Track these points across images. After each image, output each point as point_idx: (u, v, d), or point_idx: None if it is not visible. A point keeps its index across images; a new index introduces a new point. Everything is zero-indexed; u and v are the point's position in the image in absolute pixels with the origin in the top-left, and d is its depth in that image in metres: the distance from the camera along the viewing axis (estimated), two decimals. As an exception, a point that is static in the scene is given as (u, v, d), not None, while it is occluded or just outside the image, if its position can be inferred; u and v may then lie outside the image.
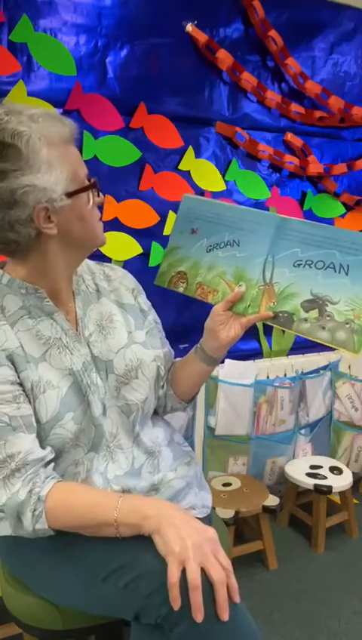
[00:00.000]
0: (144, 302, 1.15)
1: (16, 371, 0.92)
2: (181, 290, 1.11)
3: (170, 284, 1.12)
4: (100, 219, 1.00)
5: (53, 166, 0.87)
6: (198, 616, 0.76)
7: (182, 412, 1.26)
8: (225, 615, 0.78)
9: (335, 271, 0.96)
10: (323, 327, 0.96)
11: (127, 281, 1.13)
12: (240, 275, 1.04)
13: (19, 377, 0.92)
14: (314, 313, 0.97)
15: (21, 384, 0.92)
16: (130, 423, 1.02)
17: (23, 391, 0.92)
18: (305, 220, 1.02)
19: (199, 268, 1.09)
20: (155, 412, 1.16)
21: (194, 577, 0.77)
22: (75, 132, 0.94)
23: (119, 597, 0.84)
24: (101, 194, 0.99)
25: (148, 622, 0.81)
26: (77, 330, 1.01)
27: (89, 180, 0.95)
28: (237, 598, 0.81)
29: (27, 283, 0.96)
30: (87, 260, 1.11)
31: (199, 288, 1.09)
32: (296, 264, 0.99)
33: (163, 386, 1.13)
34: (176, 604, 0.77)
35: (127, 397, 1.02)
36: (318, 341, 0.96)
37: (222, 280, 1.06)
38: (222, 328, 1.04)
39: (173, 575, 0.77)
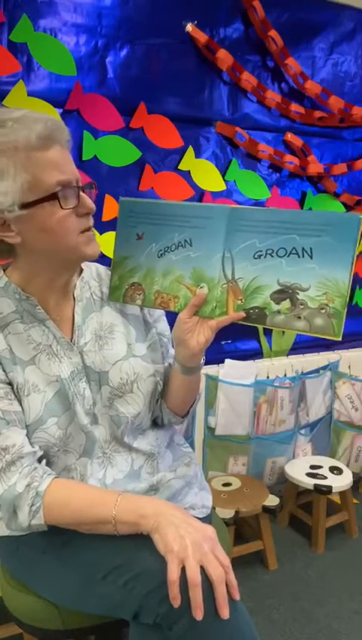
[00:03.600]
0: (150, 313, 1.11)
1: (4, 371, 0.92)
2: (139, 302, 1.03)
3: (125, 297, 1.04)
4: (87, 229, 0.93)
5: (3, 175, 0.84)
6: (198, 613, 0.76)
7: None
8: (225, 612, 0.78)
9: (299, 256, 0.90)
10: (299, 317, 0.91)
11: None
12: (200, 276, 0.97)
13: (7, 377, 0.93)
14: (286, 304, 0.92)
15: (9, 384, 0.93)
16: (119, 433, 1.01)
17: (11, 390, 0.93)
18: (256, 207, 0.95)
19: (154, 275, 1.01)
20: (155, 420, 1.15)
21: (194, 575, 0.77)
22: (59, 133, 0.88)
23: (118, 596, 0.84)
24: (87, 202, 0.91)
25: (147, 621, 0.81)
26: (72, 338, 1.00)
27: (77, 187, 0.90)
28: (236, 595, 0.81)
29: (20, 289, 0.96)
30: (97, 266, 1.09)
31: (158, 297, 1.01)
32: (256, 256, 0.93)
33: (158, 400, 1.11)
34: (176, 602, 0.77)
35: (119, 409, 1.01)
36: (297, 331, 0.92)
37: (181, 284, 0.99)
38: (191, 336, 0.97)
39: (173, 573, 0.77)
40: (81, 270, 1.06)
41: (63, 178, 0.88)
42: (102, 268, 1.10)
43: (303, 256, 0.90)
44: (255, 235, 0.93)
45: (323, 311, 0.89)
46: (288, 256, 0.91)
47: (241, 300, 0.95)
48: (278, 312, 0.92)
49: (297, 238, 0.90)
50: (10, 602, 1.03)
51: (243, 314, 0.94)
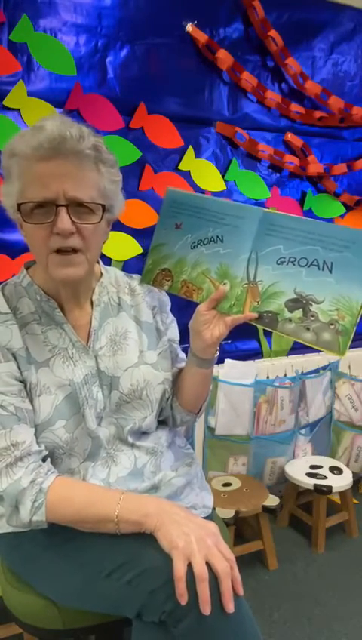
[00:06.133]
0: (162, 321, 1.11)
1: (19, 369, 0.94)
2: (166, 288, 1.07)
3: (155, 282, 1.08)
4: (61, 251, 0.89)
5: (7, 177, 0.91)
6: (206, 608, 0.76)
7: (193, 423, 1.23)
8: (230, 606, 0.78)
9: (319, 268, 0.90)
10: (308, 328, 0.91)
11: (149, 298, 1.10)
12: (225, 273, 0.99)
13: (22, 375, 0.94)
14: (298, 313, 0.92)
15: (23, 382, 0.94)
16: (124, 434, 1.02)
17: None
18: (288, 214, 0.95)
19: (184, 265, 1.04)
20: (164, 422, 1.15)
21: (202, 570, 0.77)
22: (67, 145, 0.85)
23: (122, 593, 0.84)
24: (58, 222, 0.87)
25: (151, 619, 0.81)
26: (87, 342, 1.01)
27: (56, 205, 0.87)
28: (240, 591, 0.82)
29: (42, 290, 0.98)
30: (116, 271, 1.11)
31: (184, 286, 1.04)
32: (279, 261, 0.94)
33: (168, 400, 1.11)
34: (184, 598, 0.77)
35: (125, 412, 1.02)
36: (303, 342, 0.92)
37: (207, 278, 1.01)
38: (206, 328, 0.99)
39: (180, 570, 0.78)
40: (101, 274, 1.07)
41: (41, 195, 0.87)
42: (120, 274, 1.11)
43: (323, 269, 0.90)
44: (281, 242, 0.94)
45: (332, 327, 0.89)
46: (308, 266, 0.91)
47: (258, 302, 0.96)
48: (289, 320, 0.93)
49: (320, 251, 0.90)
50: (10, 602, 1.03)
51: (256, 315, 0.95)
